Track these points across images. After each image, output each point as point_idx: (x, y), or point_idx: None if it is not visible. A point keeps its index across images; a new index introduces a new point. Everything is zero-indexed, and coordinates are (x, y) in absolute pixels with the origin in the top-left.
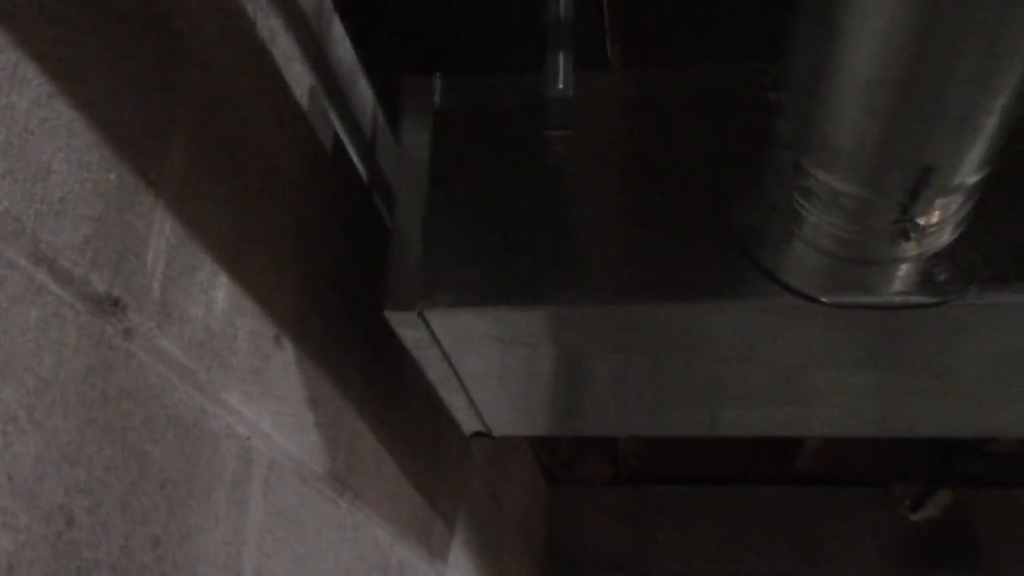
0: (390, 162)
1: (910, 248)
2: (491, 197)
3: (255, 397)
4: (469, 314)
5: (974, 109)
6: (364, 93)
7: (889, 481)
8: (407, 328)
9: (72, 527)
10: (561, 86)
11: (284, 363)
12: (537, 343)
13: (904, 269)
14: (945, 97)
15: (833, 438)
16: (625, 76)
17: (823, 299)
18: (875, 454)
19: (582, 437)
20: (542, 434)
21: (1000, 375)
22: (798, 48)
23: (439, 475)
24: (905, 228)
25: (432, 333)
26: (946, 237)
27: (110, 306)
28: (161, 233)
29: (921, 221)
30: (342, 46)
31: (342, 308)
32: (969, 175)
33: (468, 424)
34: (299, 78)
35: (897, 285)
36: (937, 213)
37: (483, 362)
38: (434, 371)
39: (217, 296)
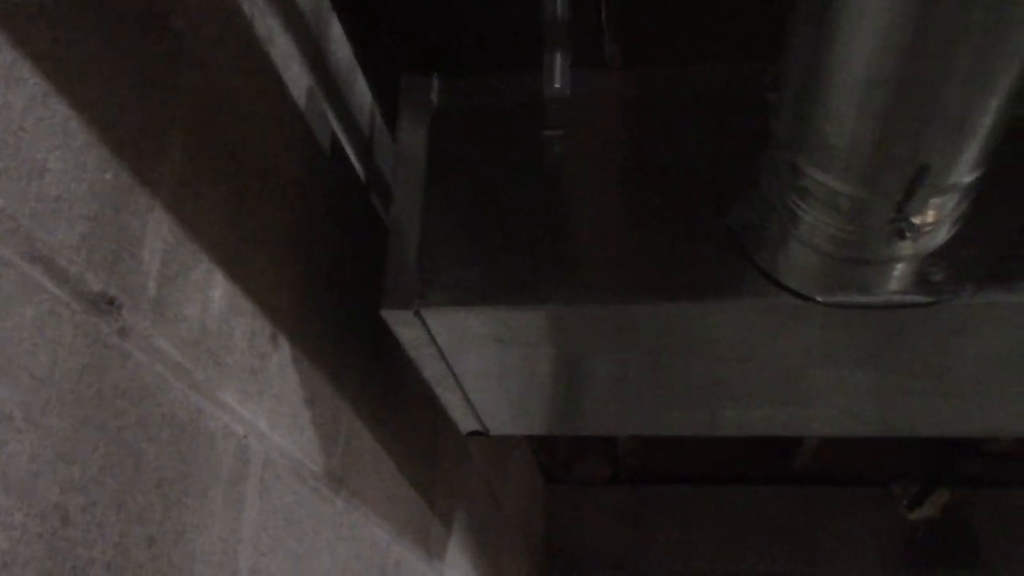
0: (388, 161)
1: (906, 247)
2: (488, 196)
3: (252, 396)
4: (466, 313)
5: (970, 109)
6: (362, 93)
7: (888, 481)
8: (404, 327)
9: (67, 525)
10: (558, 85)
11: (281, 362)
12: (535, 342)
13: (900, 269)
14: (941, 97)
15: (832, 438)
16: (624, 76)
17: (819, 298)
18: (874, 454)
19: (581, 436)
20: (540, 433)
21: (998, 374)
22: (795, 48)
23: (437, 474)
24: (901, 227)
25: (429, 332)
26: (942, 237)
27: (106, 305)
28: (157, 232)
29: (917, 220)
30: (340, 46)
31: (340, 307)
32: (965, 174)
33: (465, 423)
34: (297, 78)
35: (893, 285)
36: (933, 212)
37: (480, 361)
38: (430, 370)
39: (214, 295)
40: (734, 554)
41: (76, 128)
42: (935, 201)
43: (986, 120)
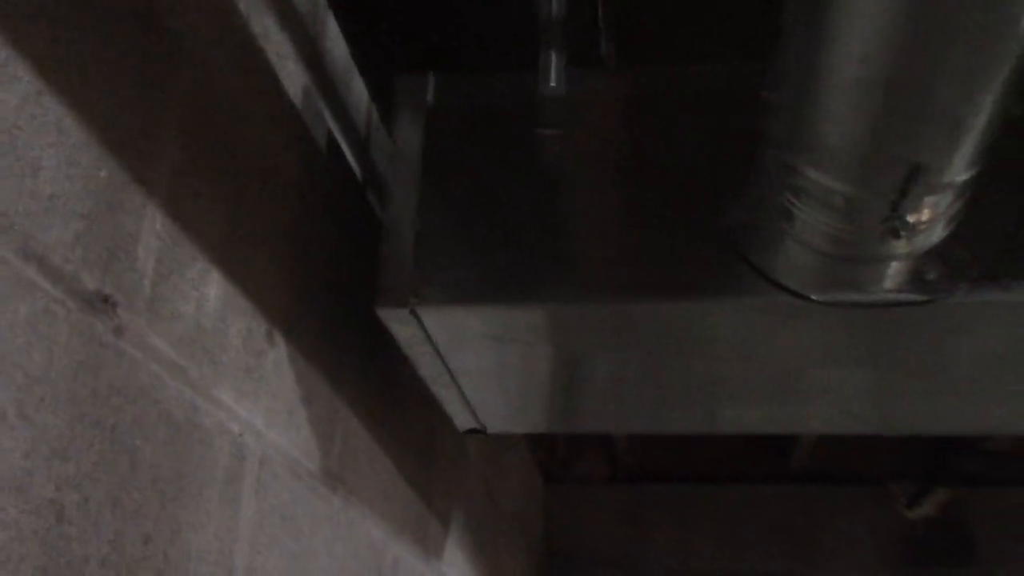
0: (385, 160)
1: (900, 246)
2: (485, 195)
3: (247, 394)
4: (462, 311)
5: (964, 107)
6: (359, 91)
7: (886, 479)
8: (399, 325)
9: (62, 522)
10: (554, 84)
11: (277, 360)
12: (532, 341)
13: (894, 267)
14: (935, 95)
15: (830, 436)
16: (622, 75)
17: (814, 297)
18: (872, 452)
19: (579, 435)
20: (538, 431)
21: (993, 373)
22: (789, 47)
23: (434, 473)
24: (895, 226)
25: (424, 330)
26: (936, 235)
27: (100, 303)
28: (152, 231)
29: (911, 219)
30: (337, 44)
31: (336, 305)
32: (959, 173)
33: (462, 421)
34: (293, 76)
35: (887, 283)
36: (927, 211)
37: (477, 359)
38: (426, 368)
39: (209, 293)
40: (732, 553)
41: (70, 126)
42: (930, 200)
43: (980, 118)
